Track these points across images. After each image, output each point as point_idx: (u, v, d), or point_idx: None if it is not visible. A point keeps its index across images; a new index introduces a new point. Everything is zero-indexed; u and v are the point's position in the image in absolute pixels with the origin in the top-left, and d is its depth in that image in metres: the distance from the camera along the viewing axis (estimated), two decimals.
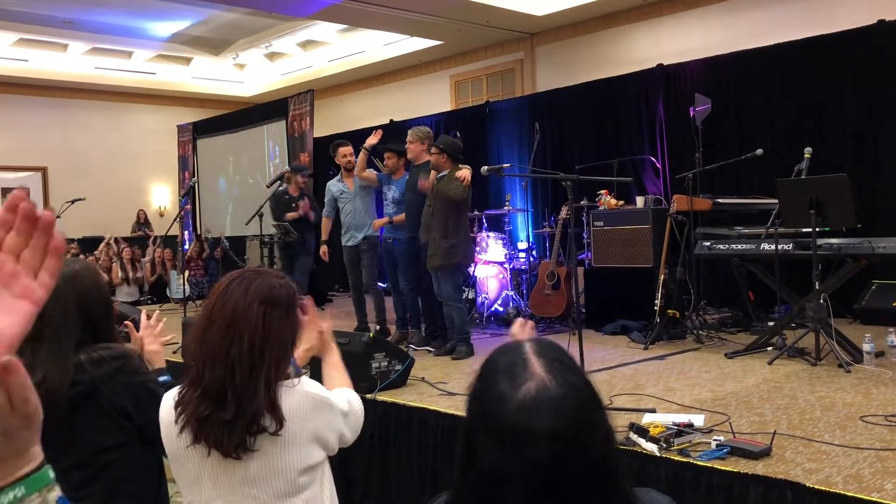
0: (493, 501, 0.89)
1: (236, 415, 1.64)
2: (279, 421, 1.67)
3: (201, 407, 1.67)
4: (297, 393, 1.75)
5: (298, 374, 2.23)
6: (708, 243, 5.54)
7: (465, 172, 5.45)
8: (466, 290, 7.53)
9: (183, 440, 1.72)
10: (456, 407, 3.89)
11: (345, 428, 1.87)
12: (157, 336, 2.26)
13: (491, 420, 0.90)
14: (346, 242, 6.57)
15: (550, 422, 0.87)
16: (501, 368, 0.94)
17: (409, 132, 6.05)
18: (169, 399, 1.79)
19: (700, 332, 5.75)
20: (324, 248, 6.79)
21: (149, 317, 2.32)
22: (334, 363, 2.15)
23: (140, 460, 2.00)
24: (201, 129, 13.92)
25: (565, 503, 0.88)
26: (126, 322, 2.26)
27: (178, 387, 1.78)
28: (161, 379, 2.11)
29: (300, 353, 2.23)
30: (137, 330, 2.29)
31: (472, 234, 6.07)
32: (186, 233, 13.70)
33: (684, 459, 2.90)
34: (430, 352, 5.71)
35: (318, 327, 2.13)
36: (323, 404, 1.79)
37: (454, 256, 5.47)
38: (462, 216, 5.59)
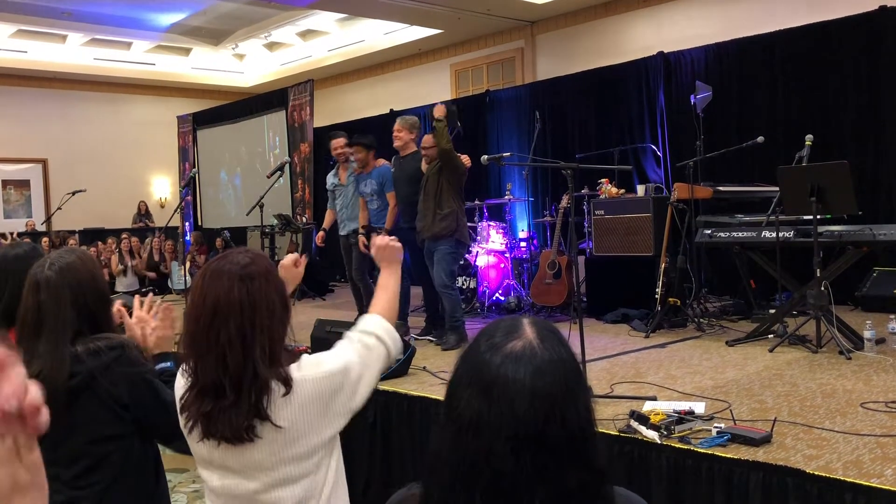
0: (473, 454, 0.92)
1: (238, 395, 1.62)
2: (286, 384, 1.64)
3: (203, 404, 1.66)
4: (310, 381, 1.68)
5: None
6: (709, 231, 5.54)
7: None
8: (468, 279, 7.54)
9: (195, 436, 1.71)
10: None
11: (363, 377, 1.78)
12: (154, 326, 2.23)
13: (476, 371, 0.95)
14: (341, 232, 6.62)
15: (531, 378, 0.92)
16: (493, 329, 1.01)
17: (398, 120, 6.02)
18: (177, 398, 1.78)
19: (701, 320, 5.75)
20: (321, 234, 6.89)
21: (142, 304, 2.29)
22: (382, 284, 2.07)
23: (138, 454, 2.00)
24: (201, 120, 13.90)
25: (543, 463, 0.90)
26: (118, 308, 2.23)
27: (182, 385, 1.74)
28: (160, 366, 2.10)
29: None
30: (131, 316, 2.27)
31: (470, 223, 5.96)
32: (187, 224, 13.71)
33: (685, 447, 2.90)
34: (431, 341, 5.72)
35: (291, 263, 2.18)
36: (334, 378, 1.71)
37: (447, 228, 5.44)
38: (456, 193, 5.54)
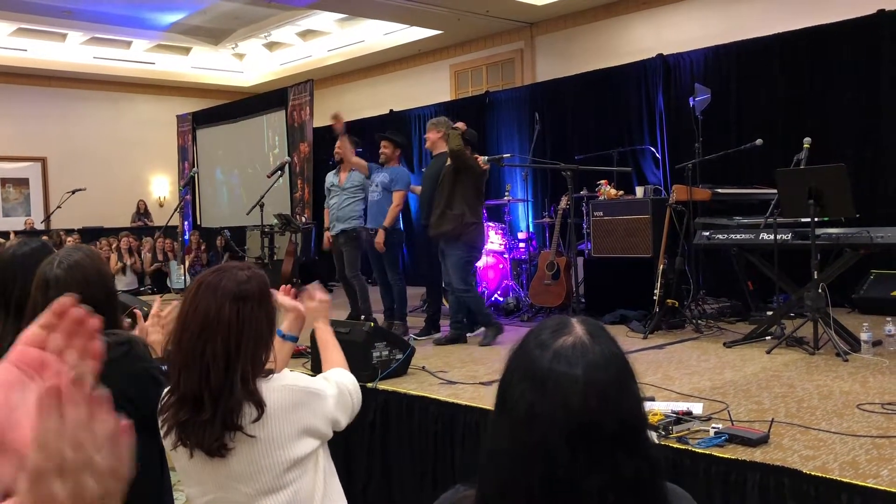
0: (529, 446, 0.93)
1: (214, 413, 1.65)
2: (259, 406, 1.68)
3: (181, 412, 1.69)
4: (277, 389, 1.73)
5: (295, 341, 2.17)
6: (707, 233, 5.56)
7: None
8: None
9: (169, 442, 1.75)
10: (456, 396, 3.92)
11: (336, 412, 1.86)
12: (164, 325, 2.26)
13: (528, 367, 0.97)
14: (331, 232, 6.68)
15: (583, 371, 0.94)
16: (540, 328, 1.02)
17: (429, 123, 6.11)
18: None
19: (699, 321, 5.77)
20: (327, 236, 6.88)
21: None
22: (324, 341, 2.15)
23: (142, 449, 1.99)
24: (201, 120, 13.90)
25: (598, 453, 0.92)
26: (135, 311, 2.27)
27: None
28: (164, 367, 2.12)
29: (287, 325, 2.17)
30: (146, 319, 2.31)
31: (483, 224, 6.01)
32: (186, 223, 13.71)
33: (683, 447, 2.92)
34: (432, 338, 5.73)
35: (295, 309, 2.13)
36: (306, 394, 1.78)
37: (453, 230, 5.51)
38: (471, 195, 5.61)
